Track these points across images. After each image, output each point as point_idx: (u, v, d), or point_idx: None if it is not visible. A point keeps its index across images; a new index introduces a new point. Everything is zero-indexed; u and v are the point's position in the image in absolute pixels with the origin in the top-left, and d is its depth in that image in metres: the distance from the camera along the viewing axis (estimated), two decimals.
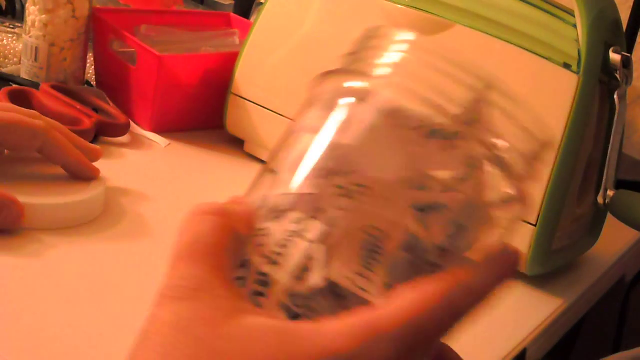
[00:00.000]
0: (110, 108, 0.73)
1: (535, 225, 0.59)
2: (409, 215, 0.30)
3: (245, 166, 0.74)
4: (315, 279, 0.29)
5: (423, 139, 0.30)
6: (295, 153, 0.31)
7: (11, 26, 0.89)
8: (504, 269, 0.29)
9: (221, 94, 0.76)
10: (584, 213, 0.66)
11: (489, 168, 0.30)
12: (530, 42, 0.61)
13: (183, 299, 0.27)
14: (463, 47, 0.63)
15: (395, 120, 0.30)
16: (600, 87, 0.62)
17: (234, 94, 0.75)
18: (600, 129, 0.64)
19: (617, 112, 0.62)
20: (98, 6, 0.84)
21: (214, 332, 0.26)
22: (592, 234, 0.70)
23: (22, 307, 0.45)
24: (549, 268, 0.63)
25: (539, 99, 0.61)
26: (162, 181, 0.67)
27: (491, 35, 0.62)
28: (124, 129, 0.71)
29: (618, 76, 0.62)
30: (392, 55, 0.32)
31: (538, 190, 0.59)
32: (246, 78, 0.74)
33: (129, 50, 0.77)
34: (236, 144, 0.77)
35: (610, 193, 0.63)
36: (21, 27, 0.87)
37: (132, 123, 0.73)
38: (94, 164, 0.58)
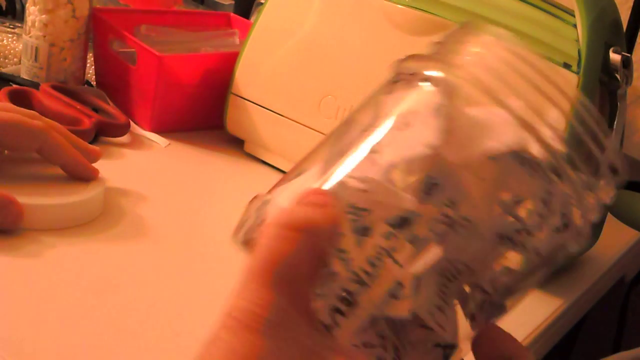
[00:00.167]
0: (110, 108, 0.73)
1: None
2: (497, 256, 0.29)
3: (245, 166, 0.74)
4: (402, 309, 0.27)
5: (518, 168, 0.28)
6: (396, 152, 0.28)
7: (11, 26, 0.89)
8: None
9: (221, 94, 0.76)
10: None
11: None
12: (530, 42, 0.61)
13: (259, 332, 0.25)
14: None
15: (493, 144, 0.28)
16: (600, 87, 0.61)
17: (234, 94, 0.75)
18: None
19: (617, 112, 0.62)
20: (98, 6, 0.84)
21: None
22: (592, 234, 0.70)
23: (21, 307, 0.45)
24: None
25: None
26: (162, 181, 0.67)
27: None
28: (124, 129, 0.71)
29: (618, 76, 0.61)
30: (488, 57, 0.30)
31: None
32: (246, 78, 0.74)
33: (129, 50, 0.77)
34: (236, 144, 0.76)
35: None
36: (21, 27, 0.87)
37: (132, 123, 0.73)
38: (93, 164, 0.58)
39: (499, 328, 0.31)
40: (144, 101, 0.74)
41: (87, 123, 0.68)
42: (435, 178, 0.28)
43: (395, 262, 0.27)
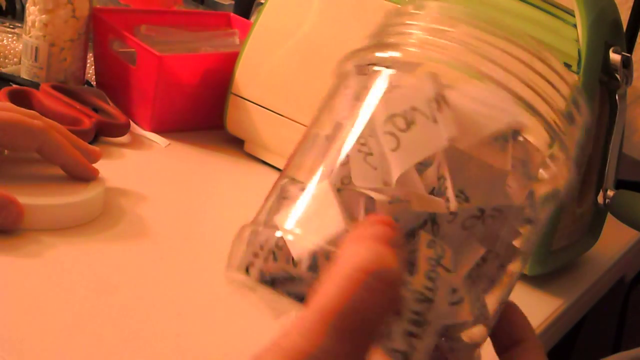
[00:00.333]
0: (110, 108, 0.73)
1: None
2: (516, 236, 0.29)
3: (245, 166, 0.74)
4: (465, 314, 0.26)
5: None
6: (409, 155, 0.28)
7: (11, 26, 0.89)
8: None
9: (221, 94, 0.76)
10: (584, 213, 0.66)
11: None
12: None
13: None
14: None
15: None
16: (600, 87, 0.62)
17: (234, 94, 0.75)
18: (600, 129, 0.64)
19: (617, 112, 0.62)
20: (98, 6, 0.84)
21: None
22: (592, 234, 0.70)
23: (21, 307, 0.45)
24: (549, 268, 0.63)
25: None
26: (161, 181, 0.67)
27: None
28: (124, 129, 0.71)
29: (618, 76, 0.61)
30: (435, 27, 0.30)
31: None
32: (246, 78, 0.74)
33: (129, 50, 0.77)
34: (236, 144, 0.76)
35: (610, 193, 0.63)
36: (21, 27, 0.87)
37: (132, 123, 0.73)
38: (93, 164, 0.58)
39: (518, 309, 0.31)
40: (144, 101, 0.74)
41: (87, 123, 0.68)
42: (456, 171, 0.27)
43: (446, 269, 0.26)
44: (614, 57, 0.61)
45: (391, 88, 0.29)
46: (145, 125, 0.75)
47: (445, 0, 0.32)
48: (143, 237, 0.56)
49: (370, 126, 0.28)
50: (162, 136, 0.74)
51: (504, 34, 0.29)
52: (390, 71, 0.29)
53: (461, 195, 0.27)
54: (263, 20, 0.74)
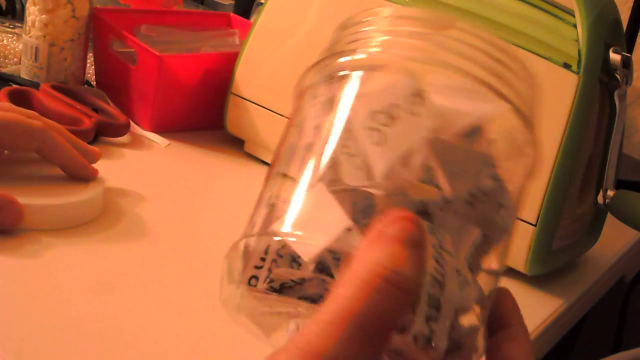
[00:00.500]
0: (110, 108, 0.73)
1: (535, 225, 0.59)
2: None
3: (245, 166, 0.74)
4: (472, 295, 0.27)
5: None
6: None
7: (11, 26, 0.89)
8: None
9: (221, 94, 0.76)
10: (584, 213, 0.66)
11: None
12: (530, 42, 0.61)
13: None
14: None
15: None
16: (600, 87, 0.62)
17: (234, 94, 0.75)
18: (600, 129, 0.64)
19: (617, 112, 0.62)
20: (98, 6, 0.84)
21: None
22: (592, 234, 0.70)
23: (21, 307, 0.45)
24: (549, 268, 0.63)
25: (539, 99, 0.60)
26: (161, 181, 0.67)
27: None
28: (124, 129, 0.71)
29: (618, 76, 0.61)
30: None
31: (538, 190, 0.59)
32: (246, 78, 0.74)
33: (129, 50, 0.77)
34: (236, 144, 0.76)
35: (610, 193, 0.63)
36: (21, 27, 0.87)
37: (132, 123, 0.73)
38: (93, 165, 0.58)
39: (509, 294, 0.31)
40: (144, 101, 0.74)
41: (87, 123, 0.68)
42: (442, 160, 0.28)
43: (449, 253, 0.27)
44: (614, 57, 0.61)
45: (364, 88, 0.30)
46: (145, 125, 0.75)
47: (402, 3, 0.33)
48: (143, 237, 0.56)
49: (349, 126, 0.29)
50: (162, 136, 0.74)
51: (461, 27, 0.30)
52: (359, 73, 0.30)
53: (451, 184, 0.28)
54: (263, 20, 0.74)
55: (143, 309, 0.48)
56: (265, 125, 0.73)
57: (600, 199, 0.63)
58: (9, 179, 0.54)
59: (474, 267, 0.29)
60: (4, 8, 0.97)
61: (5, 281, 0.47)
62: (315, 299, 0.28)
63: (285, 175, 0.31)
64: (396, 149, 0.28)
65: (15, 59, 0.82)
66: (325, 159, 0.29)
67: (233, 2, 1.11)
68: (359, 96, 0.30)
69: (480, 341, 0.29)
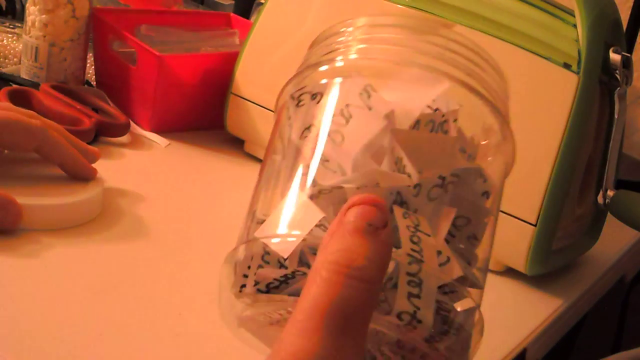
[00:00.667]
0: (110, 108, 0.73)
1: (535, 225, 0.59)
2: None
3: (245, 166, 0.74)
4: (456, 271, 0.28)
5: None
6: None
7: (11, 26, 0.89)
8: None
9: (221, 94, 0.76)
10: (584, 213, 0.66)
11: None
12: (530, 42, 0.61)
13: None
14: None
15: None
16: (600, 87, 0.62)
17: (234, 94, 0.75)
18: (600, 129, 0.64)
19: (617, 112, 0.62)
20: (98, 6, 0.84)
21: None
22: (592, 234, 0.70)
23: (20, 307, 0.45)
24: (549, 268, 0.63)
25: (539, 99, 0.61)
26: (161, 181, 0.67)
27: (491, 35, 0.62)
28: (124, 129, 0.71)
29: (618, 76, 0.61)
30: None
31: (538, 190, 0.59)
32: (246, 78, 0.74)
33: (129, 50, 0.77)
34: (236, 144, 0.76)
35: (610, 193, 0.63)
36: (21, 27, 0.87)
37: (132, 123, 0.73)
38: (93, 165, 0.58)
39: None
40: (144, 101, 0.74)
41: (87, 123, 0.68)
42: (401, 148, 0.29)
43: (426, 234, 0.27)
44: (614, 57, 0.61)
45: (331, 97, 0.32)
46: (145, 125, 0.75)
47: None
48: (142, 237, 0.56)
49: (321, 135, 0.31)
50: (162, 136, 0.74)
51: (431, 30, 0.32)
52: (339, 79, 0.32)
53: (420, 170, 0.29)
54: (263, 20, 0.74)
55: (143, 309, 0.48)
56: (265, 125, 0.73)
57: (600, 199, 0.63)
58: (8, 179, 0.54)
59: (472, 260, 0.30)
60: (4, 8, 0.97)
61: (5, 281, 0.47)
62: None
63: (267, 188, 0.32)
64: (358, 143, 0.29)
65: (15, 59, 0.82)
66: (303, 168, 0.30)
67: (233, 2, 1.11)
68: (323, 106, 0.32)
69: (479, 319, 0.29)
